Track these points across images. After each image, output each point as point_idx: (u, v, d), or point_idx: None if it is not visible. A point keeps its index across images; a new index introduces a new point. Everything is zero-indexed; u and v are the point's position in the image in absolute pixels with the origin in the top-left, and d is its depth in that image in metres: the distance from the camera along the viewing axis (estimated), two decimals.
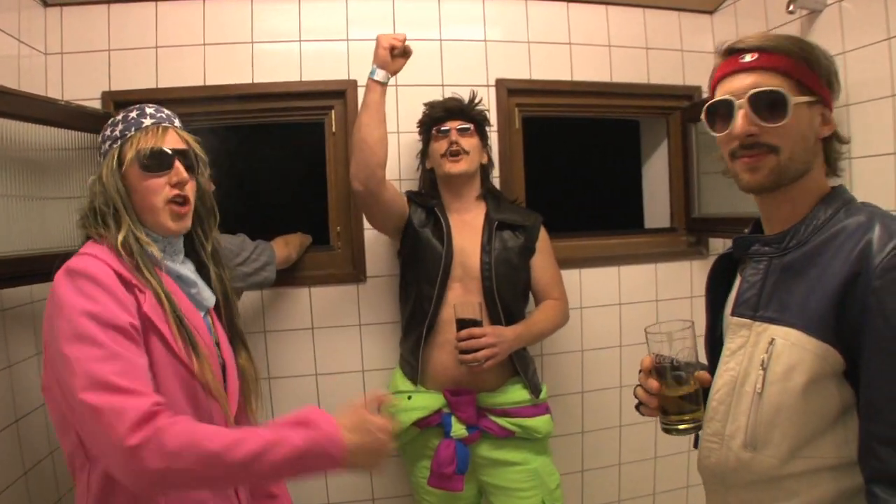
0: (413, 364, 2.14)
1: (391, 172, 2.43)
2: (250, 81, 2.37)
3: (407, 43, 1.95)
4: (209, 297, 1.39)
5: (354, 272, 2.46)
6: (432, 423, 2.08)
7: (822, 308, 1.05)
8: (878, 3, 2.00)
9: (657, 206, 2.98)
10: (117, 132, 1.31)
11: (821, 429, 1.08)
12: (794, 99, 1.10)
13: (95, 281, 1.13)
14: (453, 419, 2.06)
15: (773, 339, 1.11)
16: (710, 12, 2.78)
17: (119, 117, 1.33)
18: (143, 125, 1.30)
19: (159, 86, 2.34)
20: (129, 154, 1.27)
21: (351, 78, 2.43)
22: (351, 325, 2.48)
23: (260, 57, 2.39)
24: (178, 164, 1.30)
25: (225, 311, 1.45)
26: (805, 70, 1.12)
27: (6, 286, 1.88)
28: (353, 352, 2.48)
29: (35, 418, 2.11)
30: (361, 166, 1.95)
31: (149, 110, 1.34)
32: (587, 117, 2.76)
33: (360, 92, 2.37)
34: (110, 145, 1.31)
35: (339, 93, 2.42)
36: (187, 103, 2.32)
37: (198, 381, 1.23)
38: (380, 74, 1.93)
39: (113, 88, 2.32)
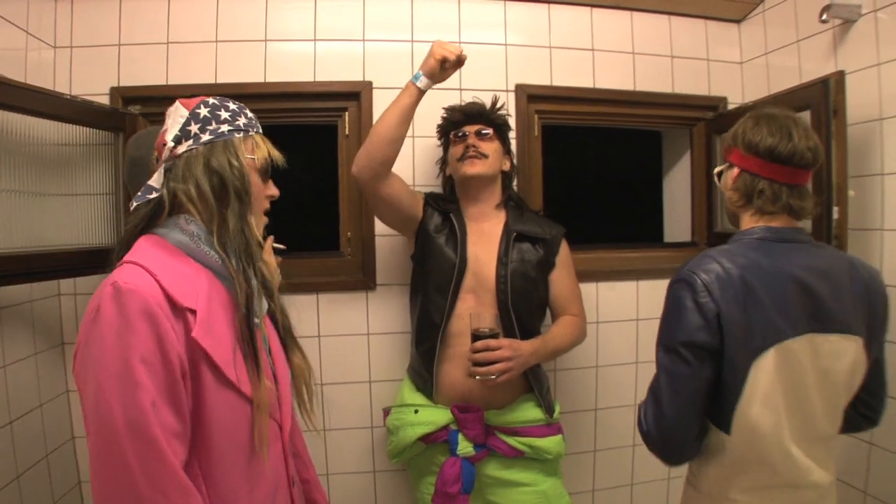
0: (426, 377, 2.05)
1: (405, 178, 2.37)
2: (262, 81, 2.32)
3: (463, 52, 1.87)
4: (264, 303, 1.27)
5: (364, 279, 2.40)
6: (439, 440, 2.00)
7: None
8: None
9: (678, 219, 2.89)
10: (240, 123, 1.25)
11: None
12: None
13: (145, 311, 1.03)
14: (460, 436, 1.98)
15: None
16: (738, 21, 2.71)
17: (227, 105, 1.26)
18: (258, 130, 1.30)
19: (169, 82, 2.30)
20: (256, 153, 1.25)
21: (366, 80, 2.38)
22: (359, 333, 2.41)
23: (273, 56, 2.34)
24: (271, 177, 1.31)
25: (274, 305, 1.33)
26: None
27: (3, 284, 1.83)
28: (360, 362, 2.41)
29: (30, 420, 2.06)
30: (365, 155, 1.89)
31: (249, 112, 1.30)
32: (608, 126, 2.68)
33: (376, 94, 2.36)
34: (228, 131, 1.22)
35: (354, 94, 2.37)
36: None
37: (250, 402, 1.15)
38: (423, 82, 1.85)
39: (122, 84, 2.28)
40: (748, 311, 1.31)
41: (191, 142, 1.19)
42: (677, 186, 2.90)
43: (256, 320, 1.20)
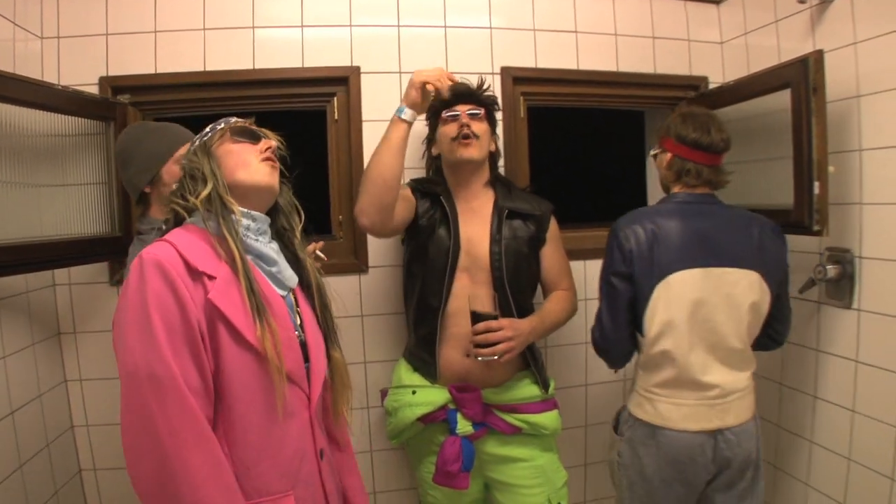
0: (428, 360, 2.07)
1: None
2: (251, 67, 2.33)
3: (448, 77, 1.80)
4: (291, 277, 1.40)
5: (356, 262, 2.43)
6: (437, 419, 2.03)
7: None
8: None
9: (660, 196, 2.91)
10: (204, 135, 1.39)
11: None
12: None
13: (160, 270, 1.16)
14: (459, 416, 2.02)
15: None
16: (717, 2, 2.74)
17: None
18: (232, 120, 1.40)
19: (158, 71, 2.30)
20: (217, 136, 1.35)
21: (354, 65, 2.39)
22: (353, 315, 2.44)
23: (261, 42, 2.35)
24: (266, 138, 1.39)
25: (319, 299, 1.46)
26: None
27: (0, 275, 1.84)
28: (354, 343, 2.44)
29: (31, 409, 2.08)
30: (375, 204, 1.82)
31: (234, 118, 1.42)
32: (592, 107, 2.72)
33: (364, 79, 2.38)
34: (197, 143, 1.37)
35: (342, 79, 2.38)
36: (186, 89, 2.32)
37: (269, 365, 1.21)
38: (407, 114, 1.78)
39: (111, 73, 2.28)
40: (653, 251, 1.83)
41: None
42: None
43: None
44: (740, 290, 1.83)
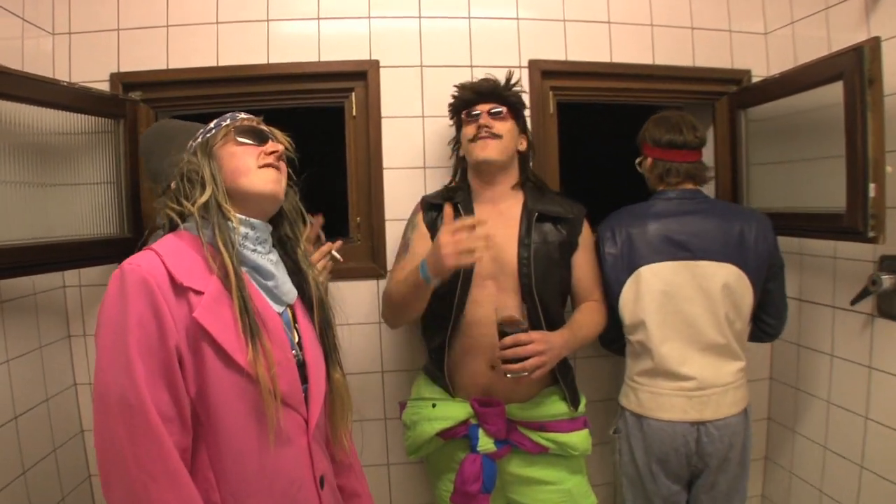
0: (437, 375, 1.97)
1: (415, 160, 2.30)
2: (265, 62, 2.24)
3: (479, 235, 1.63)
4: (289, 292, 1.29)
5: (374, 266, 2.32)
6: (458, 435, 1.91)
7: None
8: None
9: None
10: (208, 131, 1.28)
11: None
12: None
13: (142, 286, 1.06)
14: (481, 432, 1.89)
15: None
16: None
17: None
18: (239, 117, 1.29)
19: (170, 66, 2.24)
20: (221, 134, 1.25)
21: (373, 58, 2.29)
22: (370, 322, 2.33)
23: (276, 36, 2.26)
24: (273, 140, 1.28)
25: (320, 314, 1.34)
26: None
27: (6, 276, 1.79)
28: (372, 352, 2.33)
29: (38, 413, 2.03)
30: (399, 320, 1.99)
31: (242, 114, 1.32)
32: (625, 103, 2.57)
33: (383, 73, 2.29)
34: (199, 141, 1.27)
35: (360, 74, 2.28)
36: (199, 85, 2.25)
37: (259, 386, 1.10)
38: (434, 281, 1.69)
39: (122, 70, 2.23)
40: (622, 248, 1.97)
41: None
42: None
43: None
44: (714, 283, 1.89)
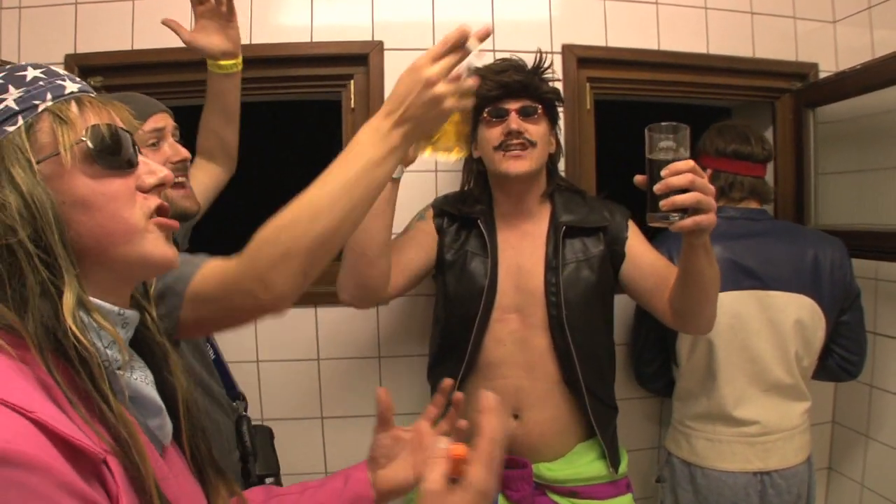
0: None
1: (425, 161, 1.94)
2: (247, 43, 1.92)
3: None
4: (169, 426, 0.76)
5: None
6: None
7: None
8: None
9: None
10: (11, 102, 0.66)
11: None
12: None
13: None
14: (501, 499, 1.56)
15: None
16: None
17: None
18: (66, 91, 0.68)
19: (135, 47, 1.97)
20: (66, 137, 0.65)
21: (376, 39, 1.98)
22: (368, 356, 2.04)
23: (260, 12, 1.98)
24: (144, 157, 0.74)
25: (187, 423, 0.79)
26: None
27: None
28: (368, 391, 2.00)
29: None
30: (355, 278, 1.49)
31: (62, 72, 0.71)
32: (674, 101, 2.23)
33: (387, 57, 1.98)
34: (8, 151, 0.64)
35: (361, 58, 1.97)
36: (168, 70, 2.01)
37: None
38: (397, 172, 1.40)
39: (79, 51, 1.98)
40: None
41: None
42: None
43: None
44: (786, 316, 1.74)
